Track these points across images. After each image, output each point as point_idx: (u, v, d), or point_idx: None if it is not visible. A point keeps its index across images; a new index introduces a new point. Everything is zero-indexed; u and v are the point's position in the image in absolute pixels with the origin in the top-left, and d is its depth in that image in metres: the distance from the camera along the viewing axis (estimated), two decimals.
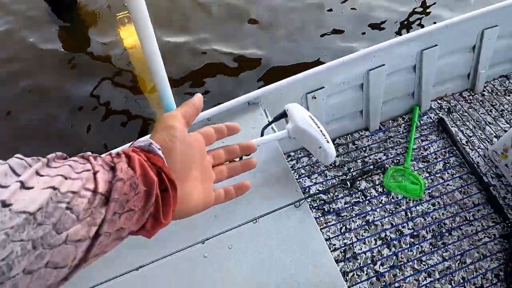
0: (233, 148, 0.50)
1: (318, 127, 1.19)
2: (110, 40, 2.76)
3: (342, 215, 1.60)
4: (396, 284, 1.44)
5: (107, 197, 0.30)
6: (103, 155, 0.35)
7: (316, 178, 1.70)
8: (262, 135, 1.21)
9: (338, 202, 1.63)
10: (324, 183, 1.68)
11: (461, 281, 1.46)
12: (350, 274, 1.46)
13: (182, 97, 2.22)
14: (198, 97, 0.46)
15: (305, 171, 1.71)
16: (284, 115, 1.26)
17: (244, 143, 0.51)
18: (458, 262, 1.50)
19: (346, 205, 1.62)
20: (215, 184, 0.48)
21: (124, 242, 0.36)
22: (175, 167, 0.38)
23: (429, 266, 1.49)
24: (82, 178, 0.30)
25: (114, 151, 0.37)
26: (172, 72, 2.38)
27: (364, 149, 1.79)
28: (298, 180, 1.69)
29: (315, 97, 1.56)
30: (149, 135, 0.41)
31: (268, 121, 1.29)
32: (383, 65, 1.63)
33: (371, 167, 1.72)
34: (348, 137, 1.83)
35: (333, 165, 1.73)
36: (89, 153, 0.34)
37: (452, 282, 1.46)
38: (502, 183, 1.69)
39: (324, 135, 1.17)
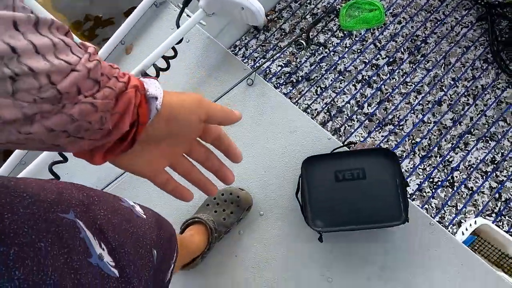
0: (213, 163, 0.43)
1: None
2: None
3: (313, 77, 1.47)
4: (390, 116, 1.37)
5: (61, 100, 0.25)
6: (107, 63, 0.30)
7: (271, 55, 1.54)
8: (178, 27, 1.04)
9: (304, 68, 1.49)
10: (282, 56, 1.53)
11: (452, 82, 1.38)
12: (342, 129, 1.39)
13: None
14: (237, 115, 0.41)
15: (258, 53, 1.55)
16: None
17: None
18: (443, 66, 1.40)
19: (312, 67, 1.49)
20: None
21: None
22: (153, 132, 0.33)
23: (416, 84, 1.40)
24: (55, 64, 0.24)
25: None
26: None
27: (308, 1, 1.59)
28: (255, 65, 1.54)
29: None
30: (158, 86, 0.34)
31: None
32: None
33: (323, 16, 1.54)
34: None
35: (283, 33, 1.56)
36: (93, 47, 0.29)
37: (443, 87, 1.38)
38: None
39: None
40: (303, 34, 1.40)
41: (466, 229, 0.97)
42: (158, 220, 0.63)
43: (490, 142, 1.29)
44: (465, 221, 1.15)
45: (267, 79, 1.49)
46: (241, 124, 0.98)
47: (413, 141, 1.33)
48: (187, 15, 1.10)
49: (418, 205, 1.20)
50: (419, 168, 1.30)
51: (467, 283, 0.76)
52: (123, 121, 0.30)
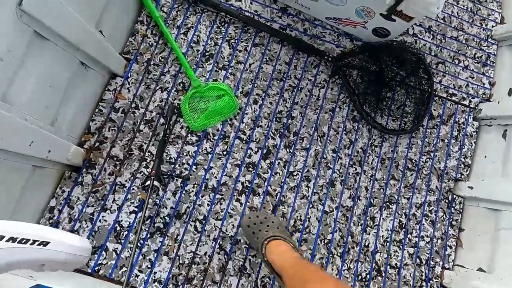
0: None
1: None
2: None
3: (183, 211, 1.09)
4: (292, 222, 1.14)
5: None
6: None
7: (127, 206, 1.07)
8: None
9: (167, 202, 1.09)
10: (130, 196, 1.08)
11: (334, 155, 1.22)
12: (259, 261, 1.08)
13: None
14: None
15: (93, 206, 1.05)
16: None
17: None
18: (318, 139, 1.23)
19: (177, 195, 1.10)
20: None
21: None
22: None
23: (301, 171, 1.19)
24: None
25: None
26: None
27: (134, 105, 1.15)
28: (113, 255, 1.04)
29: None
30: None
31: None
32: None
33: (163, 113, 1.14)
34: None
35: (119, 162, 1.10)
36: None
37: (329, 164, 1.21)
38: (292, 17, 1.33)
39: None
40: (150, 178, 0.98)
41: None
42: None
43: (391, 206, 1.21)
44: None
45: (122, 238, 1.02)
46: None
47: (325, 241, 1.14)
48: None
49: None
50: (344, 270, 1.13)
51: None
52: None
